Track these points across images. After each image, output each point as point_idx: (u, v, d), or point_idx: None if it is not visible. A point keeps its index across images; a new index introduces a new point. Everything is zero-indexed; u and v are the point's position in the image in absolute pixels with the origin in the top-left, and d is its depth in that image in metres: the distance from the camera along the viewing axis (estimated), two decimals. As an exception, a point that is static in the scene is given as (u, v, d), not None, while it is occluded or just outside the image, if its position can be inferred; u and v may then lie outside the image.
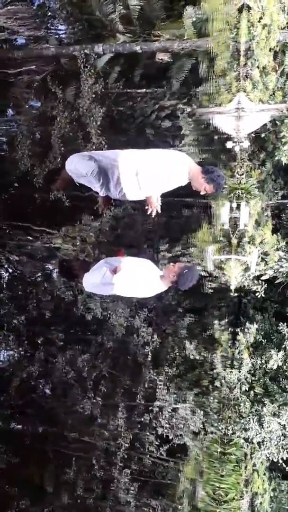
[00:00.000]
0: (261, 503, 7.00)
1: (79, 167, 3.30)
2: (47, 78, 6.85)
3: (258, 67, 6.10)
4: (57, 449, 8.28)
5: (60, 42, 7.29)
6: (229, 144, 6.43)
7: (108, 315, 7.26)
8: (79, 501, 7.90)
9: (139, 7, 6.61)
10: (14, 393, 7.97)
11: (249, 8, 5.75)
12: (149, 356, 7.40)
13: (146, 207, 3.37)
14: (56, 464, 8.18)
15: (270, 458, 6.88)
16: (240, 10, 5.82)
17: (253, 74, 6.11)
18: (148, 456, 7.74)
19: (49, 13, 7.25)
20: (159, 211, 3.40)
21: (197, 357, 7.24)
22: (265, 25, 5.87)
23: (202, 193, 3.35)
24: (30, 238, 7.59)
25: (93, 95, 6.51)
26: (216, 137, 6.81)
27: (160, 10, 6.82)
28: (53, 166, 6.69)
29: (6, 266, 8.63)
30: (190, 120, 6.61)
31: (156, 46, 6.71)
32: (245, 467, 6.97)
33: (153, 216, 3.43)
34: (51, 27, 7.39)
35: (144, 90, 7.22)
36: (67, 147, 6.76)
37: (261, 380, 7.10)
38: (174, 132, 7.28)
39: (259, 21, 5.82)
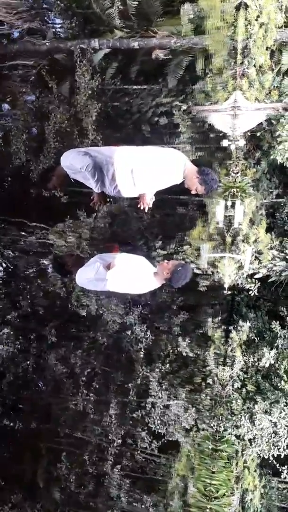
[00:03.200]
0: (251, 499, 7.05)
1: (74, 162, 3.28)
2: (42, 73, 6.81)
3: (254, 65, 6.12)
4: (50, 445, 8.29)
5: (57, 36, 7.24)
6: (224, 142, 6.44)
7: (102, 312, 7.26)
8: (71, 496, 7.92)
9: (137, 2, 6.58)
10: (7, 389, 7.96)
11: (246, 6, 5.75)
12: (142, 352, 7.42)
13: (139, 205, 3.37)
14: (49, 460, 8.19)
15: (261, 455, 6.93)
16: (237, 8, 5.81)
17: (250, 73, 6.12)
18: (140, 452, 7.78)
19: (45, 6, 7.19)
20: (150, 207, 3.41)
21: (190, 354, 7.26)
22: (262, 24, 5.88)
23: (192, 192, 3.36)
24: (24, 233, 7.56)
25: (89, 91, 6.49)
26: (212, 135, 6.82)
27: (158, 6, 6.80)
28: (48, 161, 6.66)
29: (0, 261, 8.60)
30: (186, 117, 6.61)
31: (153, 43, 6.69)
32: (236, 464, 7.02)
33: (146, 211, 3.43)
34: (48, 21, 7.34)
35: (140, 86, 7.20)
36: (63, 142, 6.74)
37: (253, 378, 7.13)
38: (170, 130, 7.27)
39: (256, 20, 5.83)
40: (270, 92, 6.46)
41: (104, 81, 6.92)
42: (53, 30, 7.24)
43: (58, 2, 6.71)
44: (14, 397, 8.31)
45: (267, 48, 6.13)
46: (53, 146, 6.63)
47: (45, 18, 7.26)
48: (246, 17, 5.81)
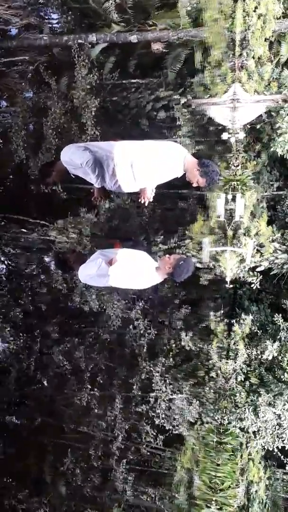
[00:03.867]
0: (256, 491, 7.09)
1: (74, 158, 3.27)
2: (40, 68, 6.77)
3: (253, 57, 6.08)
4: (55, 440, 8.34)
5: (53, 31, 7.19)
6: (224, 135, 6.41)
7: (104, 307, 7.27)
8: (77, 490, 7.98)
9: (134, -5, 6.54)
10: (11, 385, 8.00)
11: (244, -3, 5.71)
12: (145, 347, 7.44)
13: (140, 199, 3.36)
14: (54, 455, 8.24)
15: (266, 447, 6.96)
16: (235, 0, 5.77)
17: (249, 65, 6.08)
18: (145, 446, 7.82)
19: (41, 1, 7.14)
20: (151, 200, 3.40)
21: (193, 348, 7.28)
22: (261, 15, 5.84)
23: (194, 185, 3.35)
24: (25, 230, 7.55)
25: (87, 86, 6.45)
26: (211, 128, 6.79)
27: (155, -1, 6.75)
28: (47, 157, 6.64)
29: (2, 259, 8.60)
30: (186, 111, 6.58)
31: (150, 36, 6.64)
32: (241, 456, 7.06)
33: (146, 205, 3.42)
34: (44, 16, 7.29)
35: (139, 80, 7.16)
36: (62, 138, 6.71)
37: (257, 371, 7.16)
38: (169, 123, 7.24)
39: (254, 11, 5.79)
40: (269, 84, 6.42)
41: (102, 76, 6.88)
42: (50, 25, 7.19)
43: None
44: (19, 394, 8.35)
45: (265, 39, 6.09)
46: (52, 142, 6.61)
47: (41, 13, 7.21)
48: (244, 8, 5.77)
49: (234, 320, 7.36)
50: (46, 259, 7.79)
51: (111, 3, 6.52)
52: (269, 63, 6.37)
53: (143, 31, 6.73)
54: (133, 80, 7.16)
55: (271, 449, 6.91)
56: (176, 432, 7.35)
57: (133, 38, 6.66)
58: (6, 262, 8.60)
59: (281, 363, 6.94)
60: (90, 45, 6.69)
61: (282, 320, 7.04)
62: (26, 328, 8.00)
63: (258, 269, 7.02)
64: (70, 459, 7.85)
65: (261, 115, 6.52)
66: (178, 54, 6.84)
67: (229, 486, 6.84)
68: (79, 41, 6.61)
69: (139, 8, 6.75)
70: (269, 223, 6.99)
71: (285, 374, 6.76)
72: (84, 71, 6.45)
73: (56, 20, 7.28)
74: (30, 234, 7.39)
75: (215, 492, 6.79)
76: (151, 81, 7.18)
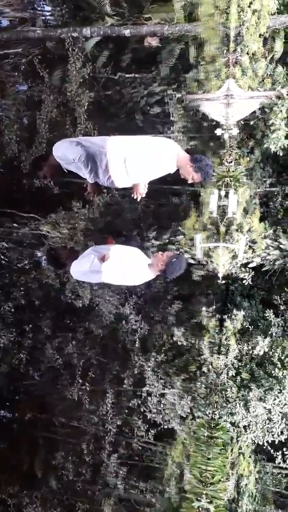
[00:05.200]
0: (246, 484, 7.18)
1: (66, 153, 3.24)
2: (34, 61, 6.70)
3: (247, 53, 6.06)
4: (47, 434, 8.35)
5: (47, 24, 7.11)
6: (218, 131, 6.39)
7: (97, 303, 7.27)
8: (68, 485, 8.01)
9: (128, -11, 6.48)
10: (3, 380, 7.98)
11: (239, -8, 5.68)
12: (137, 342, 7.46)
13: (132, 195, 3.34)
14: (46, 450, 8.26)
15: (256, 441, 7.04)
16: (230, -5, 5.74)
17: (243, 60, 6.07)
18: (136, 440, 7.86)
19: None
20: (144, 196, 3.38)
21: (185, 343, 7.31)
22: (255, 11, 5.82)
23: (189, 181, 3.32)
24: (17, 225, 7.51)
25: (81, 79, 6.41)
26: (205, 124, 6.77)
27: (149, -8, 6.71)
28: (40, 151, 6.59)
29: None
30: (179, 106, 6.55)
31: (145, 30, 6.60)
32: (231, 450, 7.13)
33: (138, 200, 3.40)
34: (37, 9, 7.20)
35: (133, 75, 7.12)
36: (55, 132, 6.67)
37: (248, 366, 7.21)
38: (163, 118, 7.22)
39: (249, 6, 5.77)
40: (263, 80, 6.41)
41: (96, 70, 6.83)
42: (43, 18, 7.11)
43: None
44: (11, 388, 8.34)
45: (260, 35, 6.08)
46: (45, 136, 6.56)
47: (35, 6, 7.12)
48: (239, 3, 5.74)
49: (226, 316, 7.39)
50: (38, 254, 7.76)
51: (106, -4, 6.47)
52: (263, 59, 6.36)
53: (137, 25, 6.68)
54: (127, 75, 7.12)
55: (261, 443, 6.99)
56: (168, 426, 7.39)
57: (127, 32, 6.61)
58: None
59: (272, 359, 6.99)
60: (84, 39, 6.63)
61: (274, 316, 7.09)
62: (18, 323, 7.97)
63: (250, 265, 7.05)
64: (61, 453, 7.87)
65: (254, 111, 6.51)
66: (172, 49, 6.81)
67: (220, 480, 6.91)
68: (73, 34, 6.56)
69: (134, 2, 6.70)
70: (262, 219, 7.01)
71: (276, 369, 6.82)
72: (78, 64, 6.40)
73: (50, 13, 7.20)
74: (22, 229, 7.34)
75: (205, 486, 6.85)
76: (145, 76, 7.14)
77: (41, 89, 6.76)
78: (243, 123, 6.67)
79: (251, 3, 5.77)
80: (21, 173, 6.97)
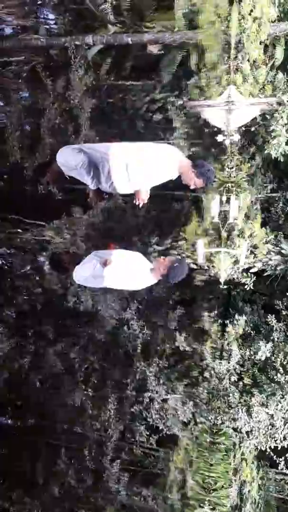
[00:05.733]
0: (249, 491, 7.14)
1: (69, 159, 3.28)
2: (36, 69, 6.77)
3: (248, 60, 6.11)
4: (48, 441, 8.32)
5: (50, 32, 7.19)
6: (219, 138, 6.43)
7: (99, 308, 7.28)
8: (70, 491, 7.97)
9: (130, -3, 6.56)
10: (4, 386, 7.97)
11: (240, 0, 5.74)
12: (139, 347, 7.46)
13: (134, 201, 3.38)
14: (48, 456, 8.23)
15: (258, 447, 7.01)
16: (231, 2, 5.80)
17: (244, 67, 6.12)
18: (138, 446, 7.83)
19: (39, 2, 7.14)
20: (146, 202, 3.42)
21: (187, 349, 7.31)
22: (256, 18, 5.87)
23: (191, 187, 3.35)
24: (20, 230, 7.55)
25: (84, 87, 6.47)
26: (206, 130, 6.82)
27: (151, 1, 6.78)
28: (43, 158, 6.65)
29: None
30: (181, 113, 6.61)
31: (147, 38, 6.67)
32: (234, 456, 7.10)
33: (140, 207, 3.44)
34: (40, 17, 7.29)
35: (135, 82, 7.18)
36: (57, 139, 6.72)
37: (250, 371, 7.20)
38: (164, 125, 7.27)
39: (249, 14, 5.82)
40: (264, 87, 6.46)
41: (98, 77, 6.90)
42: (47, 26, 7.19)
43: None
44: (12, 394, 8.33)
45: (260, 43, 6.13)
46: (48, 143, 6.62)
47: (38, 14, 7.20)
48: (240, 11, 5.80)
49: (227, 321, 7.39)
50: (41, 259, 7.79)
51: (108, 5, 6.54)
52: (264, 66, 6.41)
53: (139, 33, 6.75)
54: (129, 82, 7.18)
55: (264, 449, 6.96)
56: (170, 432, 7.37)
57: (129, 40, 6.68)
58: (0, 262, 8.58)
59: (274, 364, 6.98)
60: (86, 47, 6.70)
61: (275, 321, 7.09)
62: (20, 328, 7.99)
63: (252, 270, 7.06)
64: (63, 459, 7.84)
65: (255, 118, 6.56)
66: (174, 56, 6.87)
67: (222, 486, 6.88)
68: (76, 42, 6.62)
69: (136, 10, 6.77)
70: (263, 224, 7.04)
71: (278, 374, 6.80)
72: (80, 72, 6.47)
73: (53, 21, 7.29)
74: (25, 235, 7.38)
75: (208, 492, 6.83)
76: (147, 83, 7.21)
77: (44, 97, 6.83)
78: (244, 129, 6.72)
79: (251, 10, 5.83)
80: (24, 179, 7.02)
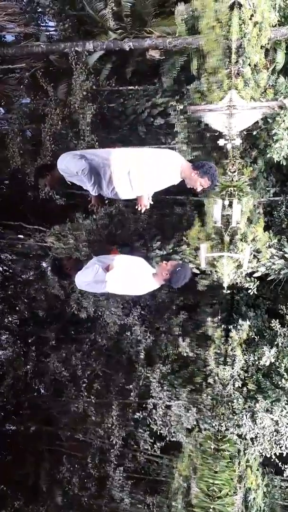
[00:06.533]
0: (254, 498, 7.05)
1: (70, 166, 3.27)
2: (37, 75, 6.79)
3: (249, 64, 6.11)
4: (52, 448, 8.27)
5: (51, 39, 7.23)
6: (221, 142, 6.43)
7: (101, 313, 7.25)
8: (74, 499, 7.90)
9: (131, 3, 6.58)
10: (8, 393, 7.94)
11: (240, 5, 5.75)
12: (142, 353, 7.41)
13: (137, 206, 3.36)
14: (51, 463, 8.17)
15: (263, 454, 6.92)
16: (231, 8, 5.81)
17: (245, 72, 6.11)
18: (142, 453, 7.76)
19: (39, 9, 7.18)
20: (148, 208, 3.39)
21: (190, 354, 7.26)
22: (256, 23, 5.88)
23: (198, 189, 3.30)
24: (22, 236, 7.55)
25: (84, 92, 6.48)
26: (208, 134, 6.81)
27: (151, 7, 6.80)
28: (44, 163, 6.65)
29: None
30: (182, 117, 6.60)
31: (147, 43, 6.69)
32: (239, 463, 7.02)
33: (142, 212, 3.42)
34: (41, 24, 7.33)
35: (136, 87, 7.20)
36: (58, 144, 6.73)
37: (254, 377, 7.14)
38: (166, 130, 7.27)
39: (250, 19, 5.82)
40: (265, 91, 6.46)
41: (99, 83, 6.91)
42: (47, 33, 7.23)
43: (51, 4, 6.71)
44: (15, 401, 8.29)
45: (261, 47, 6.13)
46: (49, 149, 6.62)
47: (39, 21, 7.25)
48: (240, 16, 5.80)
49: (231, 326, 7.34)
50: (43, 265, 7.78)
51: (108, 11, 6.56)
52: (265, 70, 6.41)
53: (140, 38, 6.77)
54: (130, 87, 7.20)
55: (268, 455, 6.87)
56: (174, 439, 7.30)
57: (130, 45, 6.70)
58: (2, 268, 8.58)
59: (278, 369, 6.92)
60: (87, 53, 6.72)
61: (280, 325, 7.03)
62: (23, 334, 7.97)
63: (255, 275, 7.02)
64: (66, 467, 7.78)
65: (257, 122, 6.55)
66: (175, 61, 6.88)
67: (227, 494, 6.80)
68: (76, 48, 6.65)
69: (136, 16, 6.80)
70: (266, 228, 7.00)
71: (283, 380, 6.74)
72: (81, 78, 6.48)
73: (54, 28, 7.33)
74: (26, 241, 7.38)
75: (213, 500, 6.74)
76: (148, 88, 7.22)
77: (45, 103, 6.85)
78: (246, 133, 6.71)
79: (252, 15, 5.84)
80: (25, 185, 7.03)
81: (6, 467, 8.06)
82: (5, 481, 8.00)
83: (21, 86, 6.81)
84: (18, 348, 7.84)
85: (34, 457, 8.26)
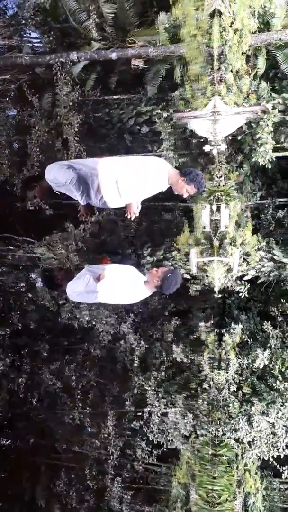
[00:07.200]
0: (254, 502, 7.02)
1: (58, 176, 3.26)
2: (23, 87, 6.80)
3: (231, 71, 6.20)
4: (48, 461, 8.15)
5: (35, 50, 7.25)
6: (206, 148, 6.49)
7: (94, 323, 7.21)
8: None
9: (113, 14, 6.65)
10: (2, 406, 7.82)
11: (220, 13, 5.84)
12: (136, 362, 7.38)
13: (126, 215, 3.36)
14: (48, 477, 8.05)
15: (261, 457, 6.91)
16: (211, 16, 5.90)
17: (227, 78, 6.20)
18: (139, 462, 7.69)
19: (22, 22, 7.20)
20: (137, 215, 3.40)
21: (185, 360, 7.25)
22: (237, 30, 5.97)
23: (185, 196, 3.33)
24: (12, 247, 7.50)
25: (70, 103, 6.51)
26: (193, 141, 6.88)
27: (134, 17, 6.88)
28: (31, 174, 6.64)
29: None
30: (168, 125, 6.66)
31: (130, 53, 6.75)
32: (237, 468, 6.99)
33: (132, 220, 3.42)
34: (25, 36, 7.35)
35: (121, 96, 7.25)
36: (46, 155, 6.73)
37: (249, 380, 7.15)
38: (152, 137, 7.32)
39: (230, 26, 5.92)
40: (248, 96, 6.55)
41: (84, 93, 6.95)
42: (31, 45, 7.25)
43: (34, 16, 6.75)
44: (9, 415, 8.17)
45: (242, 53, 6.23)
46: (37, 160, 6.62)
47: (22, 33, 7.27)
48: (221, 24, 5.89)
49: (224, 330, 7.36)
50: (33, 276, 7.73)
51: (91, 22, 6.62)
52: (247, 76, 6.51)
53: (123, 48, 6.83)
54: (115, 96, 7.25)
55: (266, 458, 6.86)
56: (171, 446, 7.26)
57: (114, 55, 6.76)
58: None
59: (272, 371, 6.94)
60: (71, 63, 6.76)
61: (272, 327, 7.07)
62: (15, 347, 7.87)
63: (246, 278, 7.07)
64: (63, 480, 7.67)
65: (241, 127, 6.63)
66: (158, 70, 6.95)
67: (227, 499, 6.76)
68: (61, 59, 6.68)
69: (119, 26, 6.87)
70: (254, 232, 7.07)
71: (277, 381, 6.76)
72: (66, 88, 6.51)
73: (37, 40, 7.36)
74: (16, 252, 7.33)
75: (212, 506, 6.70)
76: (133, 97, 7.27)
77: (31, 114, 6.85)
78: (230, 138, 6.78)
79: (232, 23, 5.93)
80: (13, 196, 7.00)
81: (2, 482, 7.91)
82: (1, 496, 7.85)
83: (7, 98, 6.79)
84: (11, 361, 7.74)
85: (30, 471, 8.13)
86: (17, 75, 7.02)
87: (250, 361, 7.05)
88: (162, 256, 7.03)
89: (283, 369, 6.82)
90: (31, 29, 7.28)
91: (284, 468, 6.87)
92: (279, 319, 7.34)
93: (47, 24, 6.89)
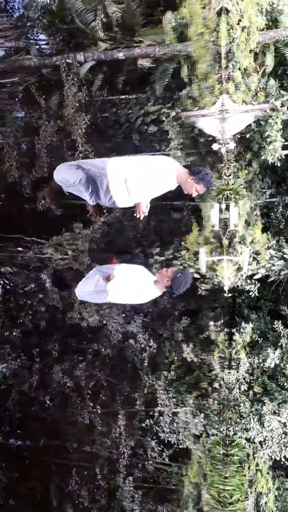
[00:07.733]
0: (266, 502, 6.97)
1: (67, 176, 3.27)
2: (30, 89, 6.85)
3: (239, 68, 6.17)
4: (60, 461, 8.19)
5: (42, 52, 7.29)
6: (215, 146, 6.46)
7: (104, 323, 7.23)
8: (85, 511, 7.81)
9: (119, 14, 6.65)
10: (13, 407, 7.88)
11: (227, 11, 5.81)
12: (146, 361, 7.37)
13: (135, 214, 3.36)
14: (60, 476, 8.09)
15: (273, 457, 6.87)
16: (219, 14, 5.87)
17: (235, 76, 6.16)
18: (151, 462, 7.69)
19: (29, 23, 7.25)
20: (146, 215, 3.40)
21: (195, 360, 7.22)
22: (244, 27, 5.94)
23: (194, 195, 3.32)
24: (21, 249, 7.54)
25: (77, 104, 6.53)
26: (201, 139, 6.85)
27: (140, 16, 6.88)
28: (40, 175, 6.67)
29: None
30: (176, 124, 6.64)
31: (137, 52, 6.75)
32: (249, 468, 6.95)
33: (141, 219, 3.42)
34: (31, 38, 7.40)
35: (128, 96, 7.25)
36: (54, 156, 6.76)
37: (260, 379, 7.10)
38: (160, 137, 7.30)
39: (238, 24, 5.89)
40: (256, 94, 6.51)
41: (91, 93, 6.96)
42: (38, 47, 7.29)
43: (41, 18, 6.78)
44: (20, 415, 8.22)
45: (250, 51, 6.19)
46: (45, 161, 6.65)
47: (29, 35, 7.31)
48: (228, 21, 5.86)
49: (234, 329, 7.32)
50: (43, 276, 7.77)
51: (98, 22, 6.63)
52: (255, 74, 6.47)
53: (130, 48, 6.83)
54: (122, 96, 7.25)
55: (278, 458, 6.81)
56: (182, 446, 7.24)
57: (121, 55, 6.76)
58: (2, 281, 8.56)
59: (283, 371, 6.89)
60: (78, 64, 6.78)
61: (282, 326, 7.01)
62: (26, 347, 7.92)
63: (256, 277, 7.02)
64: (75, 479, 7.70)
65: (250, 125, 6.59)
66: (165, 69, 6.94)
67: (238, 499, 6.73)
68: (68, 60, 6.71)
69: (125, 26, 6.87)
70: (264, 230, 7.01)
71: (288, 381, 6.72)
72: (73, 89, 6.53)
73: (44, 42, 7.39)
74: (26, 253, 7.37)
75: (224, 506, 6.67)
76: (140, 96, 7.27)
77: (39, 115, 6.89)
78: (239, 136, 6.74)
79: (240, 20, 5.90)
80: (22, 197, 7.04)
81: (14, 481, 7.97)
82: (14, 496, 7.91)
83: (15, 100, 6.84)
84: (22, 361, 7.79)
85: (42, 471, 8.17)
86: (25, 77, 7.06)
87: (260, 360, 7.00)
88: (171, 256, 7.01)
89: (294, 369, 6.77)
90: (38, 30, 7.32)
91: (296, 468, 6.83)
92: (290, 318, 7.29)
93: (54, 25, 6.91)
